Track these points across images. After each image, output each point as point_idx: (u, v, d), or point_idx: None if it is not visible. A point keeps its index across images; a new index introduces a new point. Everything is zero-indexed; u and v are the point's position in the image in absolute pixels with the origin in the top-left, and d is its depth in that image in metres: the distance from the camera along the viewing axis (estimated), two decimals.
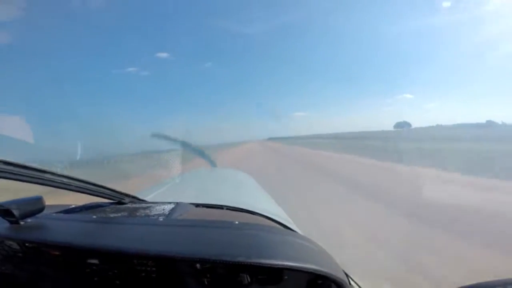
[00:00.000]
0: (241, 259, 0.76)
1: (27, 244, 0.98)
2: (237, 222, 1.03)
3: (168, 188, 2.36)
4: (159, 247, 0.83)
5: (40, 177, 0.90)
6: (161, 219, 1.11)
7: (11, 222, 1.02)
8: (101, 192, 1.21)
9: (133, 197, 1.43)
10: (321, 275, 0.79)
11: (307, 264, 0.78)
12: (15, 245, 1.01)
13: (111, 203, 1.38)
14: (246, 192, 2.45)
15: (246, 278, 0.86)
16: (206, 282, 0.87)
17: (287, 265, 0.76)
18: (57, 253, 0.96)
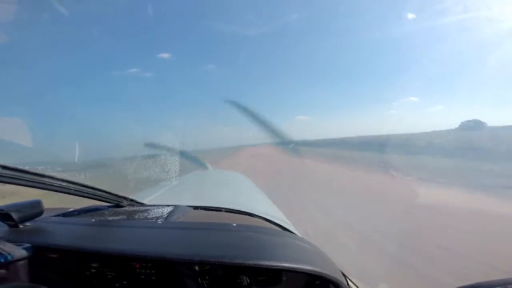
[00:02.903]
0: (239, 260, 0.76)
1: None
2: (235, 224, 1.04)
3: (166, 191, 2.37)
4: (158, 250, 0.84)
5: (39, 181, 0.91)
6: (159, 221, 1.12)
7: (10, 226, 1.02)
8: (99, 195, 1.21)
9: (132, 200, 1.44)
10: (319, 276, 0.80)
11: (305, 265, 0.78)
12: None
13: (109, 206, 1.39)
14: (244, 193, 2.46)
15: (245, 280, 0.87)
16: (205, 284, 0.87)
17: (285, 266, 0.76)
18: (56, 256, 0.96)
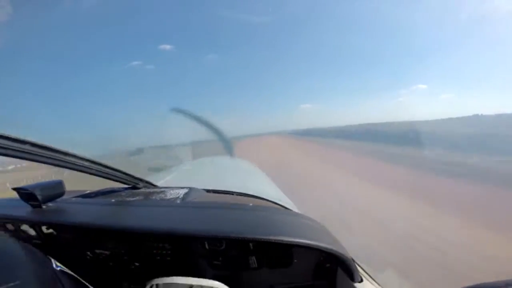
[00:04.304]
0: (262, 236, 0.78)
1: (48, 227, 1.01)
2: (251, 204, 1.06)
3: (176, 176, 2.40)
4: (180, 227, 0.86)
5: (63, 159, 0.93)
6: (178, 201, 1.15)
7: (33, 206, 1.05)
8: (118, 176, 1.24)
9: (147, 182, 1.47)
10: (333, 255, 0.81)
11: (323, 243, 0.80)
12: (37, 228, 1.04)
13: (126, 188, 1.42)
14: (252, 179, 2.49)
15: (254, 262, 0.91)
16: (218, 265, 0.92)
17: (305, 243, 0.78)
18: (75, 236, 1.00)
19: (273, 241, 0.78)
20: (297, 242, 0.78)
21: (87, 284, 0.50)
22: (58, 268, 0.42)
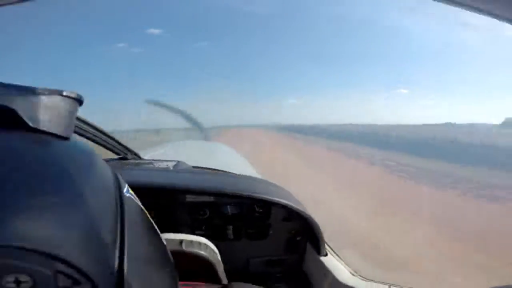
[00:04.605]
0: (257, 195, 0.89)
1: None
2: (235, 172, 1.18)
3: (162, 154, 2.46)
4: (179, 183, 0.94)
5: None
6: (171, 168, 1.22)
7: None
8: (111, 144, 1.26)
9: (135, 154, 1.51)
10: (300, 230, 0.93)
11: (305, 212, 0.91)
12: None
13: (115, 159, 1.46)
14: (231, 160, 2.63)
15: (239, 231, 1.00)
16: (204, 229, 0.99)
17: (293, 207, 0.90)
18: None
19: (260, 198, 0.89)
20: (282, 202, 0.89)
21: (154, 224, 0.40)
22: (128, 195, 0.34)
